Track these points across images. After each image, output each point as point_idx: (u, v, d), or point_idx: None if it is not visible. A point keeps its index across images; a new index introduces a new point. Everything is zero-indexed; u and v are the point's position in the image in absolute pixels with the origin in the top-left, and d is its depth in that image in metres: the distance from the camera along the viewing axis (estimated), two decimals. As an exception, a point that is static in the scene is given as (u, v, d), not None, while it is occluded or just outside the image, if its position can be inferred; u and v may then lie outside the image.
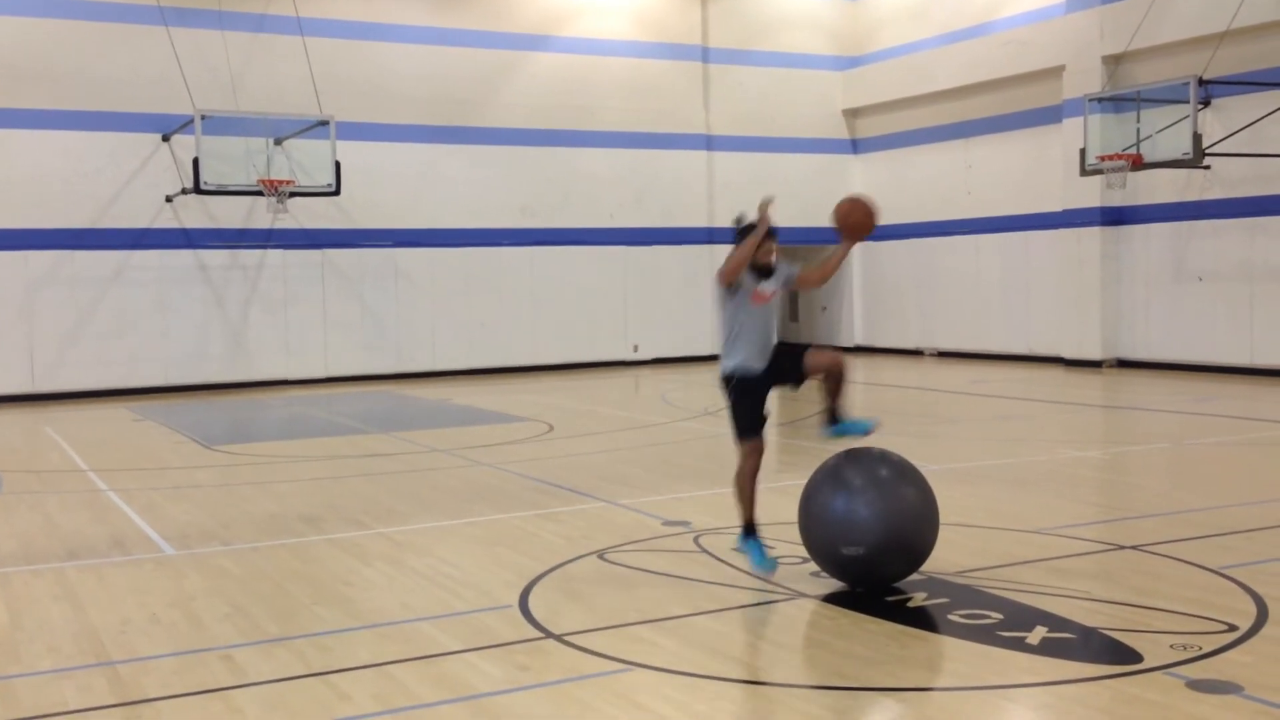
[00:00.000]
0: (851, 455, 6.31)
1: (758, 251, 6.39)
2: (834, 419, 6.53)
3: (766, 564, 6.44)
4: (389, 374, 20.55)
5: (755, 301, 6.45)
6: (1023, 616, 5.76)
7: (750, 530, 6.53)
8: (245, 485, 10.41)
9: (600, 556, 7.24)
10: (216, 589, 6.76)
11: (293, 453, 12.43)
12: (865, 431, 6.48)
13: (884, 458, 6.28)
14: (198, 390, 19.11)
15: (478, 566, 7.15)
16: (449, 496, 9.52)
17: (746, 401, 6.50)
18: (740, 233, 6.45)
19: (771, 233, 6.40)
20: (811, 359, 6.46)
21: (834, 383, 6.48)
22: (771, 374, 6.50)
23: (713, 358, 24.53)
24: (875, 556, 6.03)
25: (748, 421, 6.49)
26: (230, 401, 17.95)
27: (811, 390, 6.75)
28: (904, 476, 6.20)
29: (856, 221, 6.47)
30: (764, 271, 6.49)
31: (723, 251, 24.30)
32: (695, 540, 7.60)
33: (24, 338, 18.10)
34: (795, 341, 6.65)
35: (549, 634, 5.70)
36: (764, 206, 6.30)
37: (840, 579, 6.28)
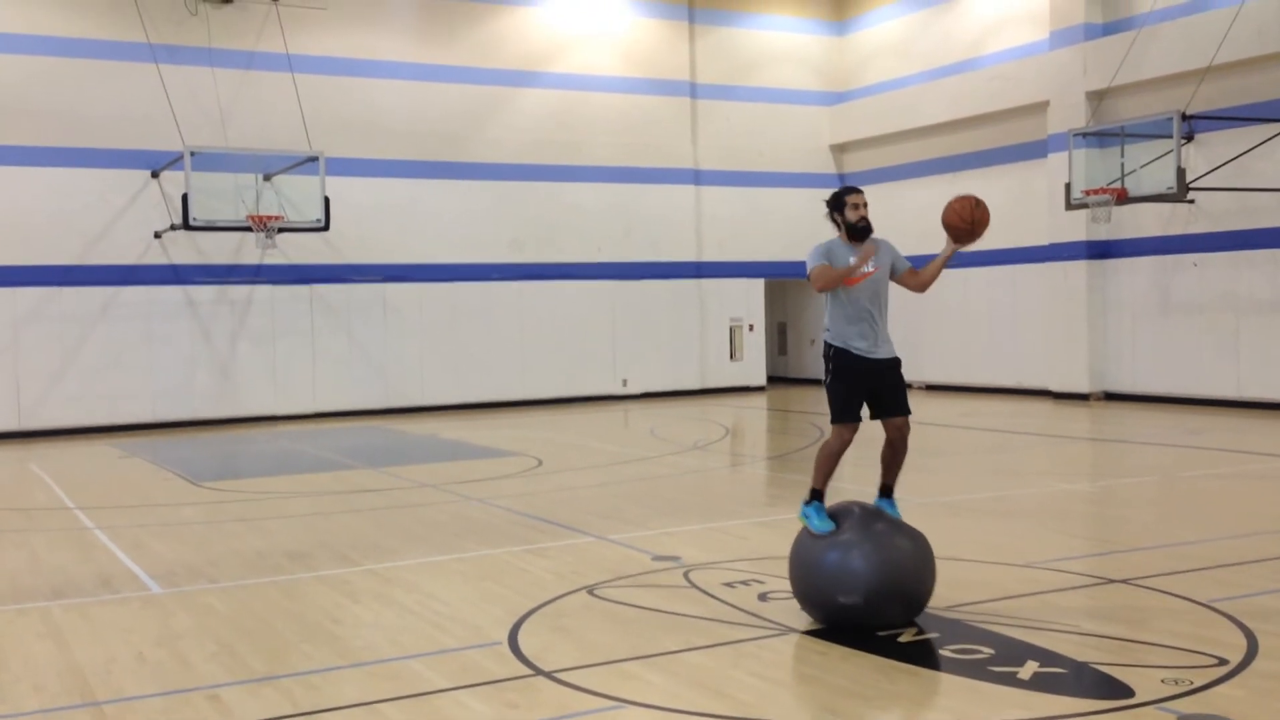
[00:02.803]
0: (843, 508, 6.36)
1: (846, 209, 6.45)
2: (886, 494, 6.53)
3: (823, 527, 6.21)
4: (377, 409, 20.50)
5: (847, 284, 6.39)
6: (1014, 651, 5.75)
7: (815, 497, 6.36)
8: (233, 522, 10.35)
9: (590, 592, 7.21)
10: (203, 627, 6.71)
11: (280, 489, 12.38)
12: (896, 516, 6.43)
13: (876, 512, 6.34)
14: (185, 426, 19.04)
15: (467, 603, 7.11)
16: (438, 532, 9.48)
17: (841, 383, 6.45)
18: (834, 196, 6.54)
19: (855, 190, 6.51)
20: (896, 421, 6.44)
21: (897, 464, 6.53)
22: (874, 377, 6.43)
23: (702, 392, 24.53)
24: (872, 606, 6.03)
25: (840, 404, 6.43)
26: (218, 437, 17.88)
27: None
28: (898, 528, 6.27)
29: (969, 223, 6.36)
30: (856, 233, 6.45)
31: (711, 285, 24.38)
32: (685, 575, 7.58)
33: (10, 375, 18.02)
34: (896, 393, 6.55)
35: (539, 671, 5.66)
36: (866, 253, 6.35)
37: (835, 626, 6.24)
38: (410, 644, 6.23)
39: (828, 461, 6.45)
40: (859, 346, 6.44)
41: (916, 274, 6.62)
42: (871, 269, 6.45)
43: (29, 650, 6.33)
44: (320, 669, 5.84)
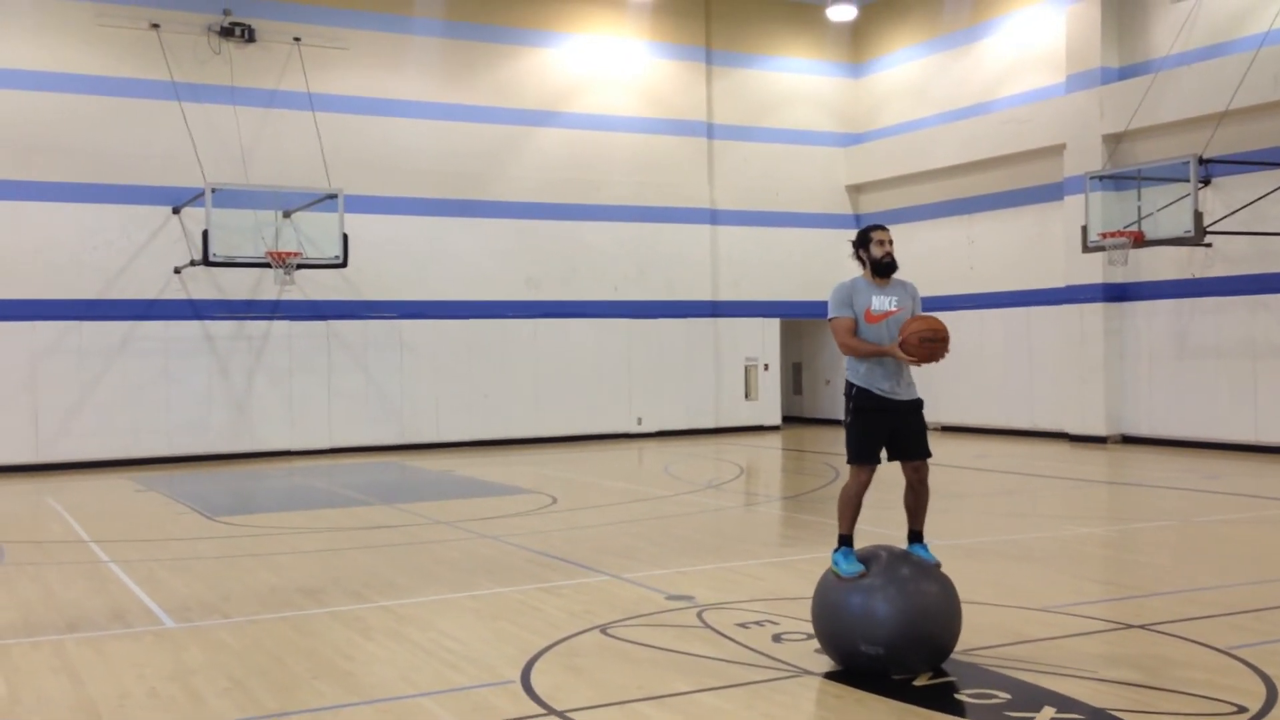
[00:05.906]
0: (871, 552, 6.29)
1: (871, 245, 6.44)
2: (916, 539, 6.45)
3: (851, 570, 6.13)
4: (393, 445, 20.53)
5: (868, 321, 6.38)
6: (1031, 696, 5.70)
7: (842, 543, 6.30)
8: (246, 557, 10.36)
9: (603, 631, 7.18)
10: (216, 662, 6.71)
11: (295, 524, 12.39)
12: (933, 564, 6.31)
13: (904, 556, 6.27)
14: (201, 460, 19.09)
15: (480, 641, 7.09)
16: (451, 569, 9.47)
17: (862, 423, 6.37)
18: (860, 234, 6.53)
19: (880, 227, 6.50)
20: (915, 464, 6.39)
21: (921, 508, 6.47)
22: (896, 418, 6.37)
23: (716, 431, 24.43)
24: (895, 656, 5.97)
25: (858, 445, 6.36)
26: (233, 472, 17.92)
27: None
28: (925, 573, 6.20)
29: (928, 353, 6.29)
30: (881, 270, 6.42)
31: (726, 324, 24.33)
32: (699, 615, 7.54)
33: (29, 408, 18.12)
34: (916, 436, 6.50)
35: (551, 710, 5.64)
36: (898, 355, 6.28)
37: (855, 672, 6.16)
38: (422, 682, 6.22)
39: (848, 505, 6.40)
40: (882, 387, 6.40)
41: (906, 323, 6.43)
42: (894, 309, 6.44)
43: (42, 684, 6.33)
44: (332, 706, 5.83)
